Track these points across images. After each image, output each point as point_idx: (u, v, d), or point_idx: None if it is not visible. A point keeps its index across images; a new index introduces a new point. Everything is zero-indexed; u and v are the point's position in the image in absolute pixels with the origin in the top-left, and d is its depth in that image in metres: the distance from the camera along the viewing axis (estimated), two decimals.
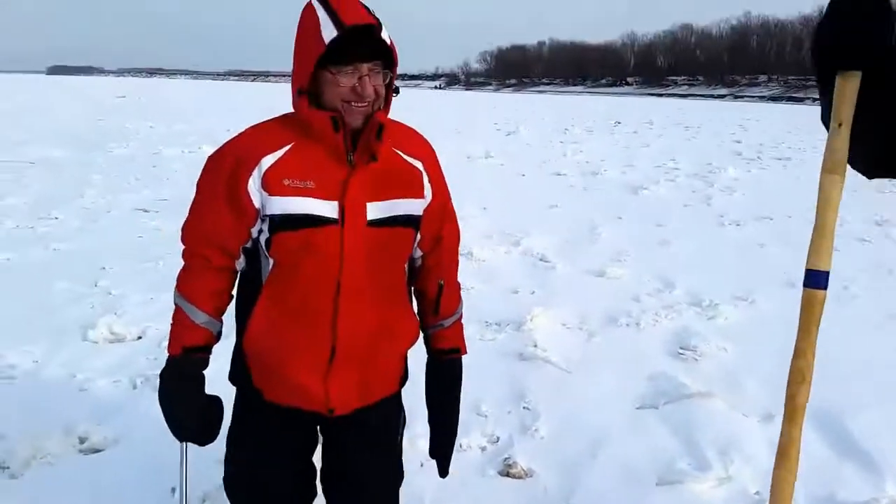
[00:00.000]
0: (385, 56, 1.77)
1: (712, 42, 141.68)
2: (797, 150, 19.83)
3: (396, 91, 1.89)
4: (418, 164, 1.96)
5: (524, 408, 3.93)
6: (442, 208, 2.05)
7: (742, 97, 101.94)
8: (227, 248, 1.87)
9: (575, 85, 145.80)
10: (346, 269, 1.80)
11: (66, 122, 22.62)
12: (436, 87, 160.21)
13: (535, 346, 4.72)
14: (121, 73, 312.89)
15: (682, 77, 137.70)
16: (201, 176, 1.91)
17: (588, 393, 4.10)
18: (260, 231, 1.84)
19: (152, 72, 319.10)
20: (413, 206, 1.91)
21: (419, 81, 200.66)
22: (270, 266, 1.84)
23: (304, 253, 1.79)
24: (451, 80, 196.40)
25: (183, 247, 1.92)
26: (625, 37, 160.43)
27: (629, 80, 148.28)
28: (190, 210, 1.92)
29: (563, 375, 4.35)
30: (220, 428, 1.96)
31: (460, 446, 3.48)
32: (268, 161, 1.77)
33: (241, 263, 1.91)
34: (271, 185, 1.76)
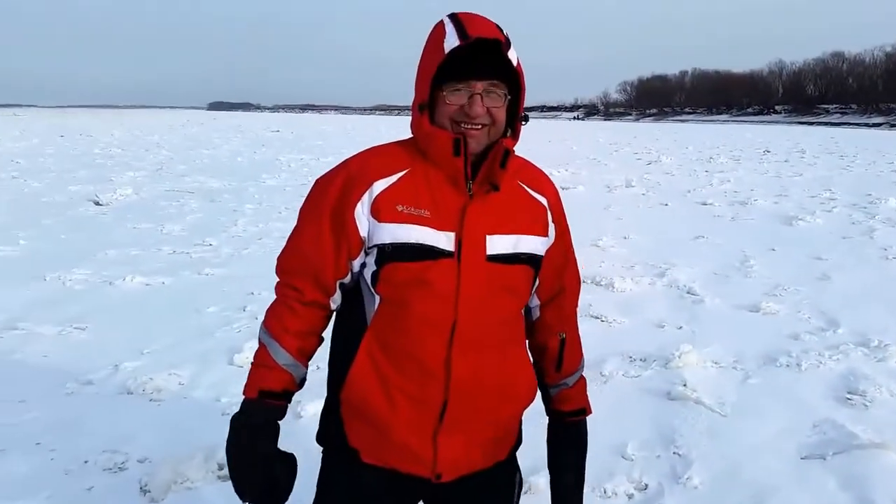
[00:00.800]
0: (509, 78, 1.66)
1: (865, 69, 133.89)
2: None
3: (525, 119, 1.76)
4: (543, 200, 1.81)
5: (675, 453, 3.68)
6: (564, 253, 1.90)
7: None
8: (322, 280, 1.71)
9: (719, 113, 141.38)
10: (462, 310, 1.63)
11: (223, 155, 23.97)
12: (574, 118, 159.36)
13: (685, 385, 4.44)
14: (275, 108, 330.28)
15: (834, 105, 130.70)
16: (306, 199, 1.78)
17: (746, 439, 3.79)
18: (364, 265, 1.70)
19: (304, 107, 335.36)
20: (536, 245, 1.76)
21: (558, 112, 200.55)
22: (377, 304, 1.68)
23: (415, 289, 1.63)
24: (589, 110, 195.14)
25: (276, 278, 1.78)
26: (772, 65, 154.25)
27: (777, 108, 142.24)
28: (289, 237, 1.79)
29: (717, 419, 4.05)
30: (288, 493, 1.72)
31: (604, 492, 3.28)
32: (380, 186, 1.65)
33: (335, 301, 1.75)
34: (382, 211, 1.63)
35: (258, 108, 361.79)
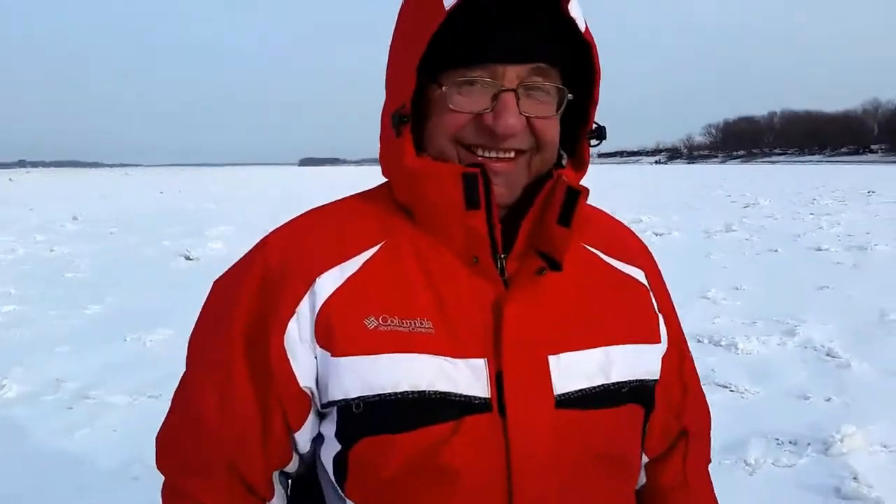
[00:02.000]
0: (566, 60, 1.01)
1: None
2: None
3: (599, 135, 1.07)
4: (640, 276, 1.16)
5: None
6: (680, 360, 1.21)
7: None
8: (244, 475, 1.04)
9: (811, 154, 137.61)
10: None
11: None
12: (656, 162, 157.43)
13: (856, 479, 3.64)
14: (360, 162, 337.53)
15: None
16: (197, 323, 1.11)
17: None
18: (318, 439, 1.06)
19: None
20: (643, 360, 1.09)
21: (638, 157, 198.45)
22: None
23: (422, 488, 0.96)
24: (672, 153, 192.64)
25: (163, 477, 1.11)
26: (867, 103, 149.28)
27: (872, 147, 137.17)
28: (173, 399, 1.11)
29: None
30: None
31: None
32: (329, 283, 0.99)
33: None
34: (338, 332, 0.96)
35: (345, 162, 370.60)
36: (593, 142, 1.09)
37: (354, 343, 0.96)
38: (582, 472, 0.99)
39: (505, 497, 0.94)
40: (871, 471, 3.74)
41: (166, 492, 1.09)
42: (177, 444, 1.07)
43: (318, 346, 0.98)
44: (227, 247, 13.40)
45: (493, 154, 0.99)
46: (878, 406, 4.69)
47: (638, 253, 1.20)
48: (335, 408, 0.98)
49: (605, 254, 1.14)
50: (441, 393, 0.94)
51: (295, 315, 0.98)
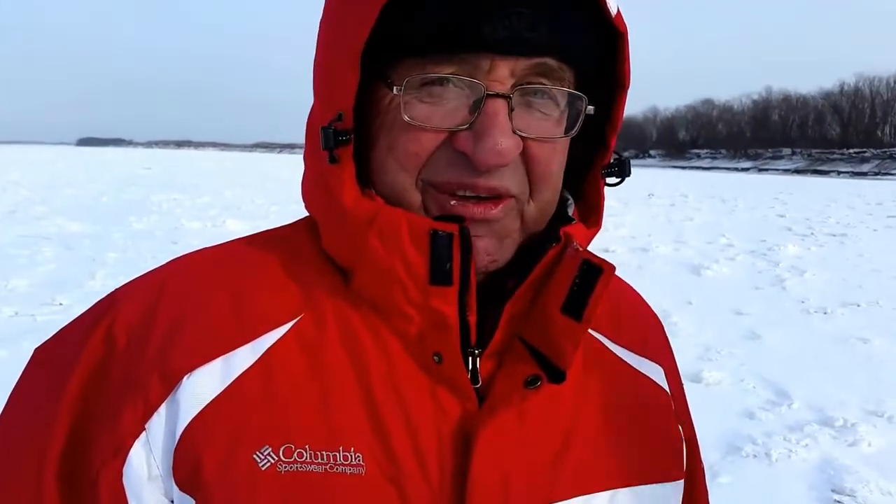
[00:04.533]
0: (583, 57, 0.70)
1: (734, 116, 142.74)
2: (847, 225, 18.70)
3: (621, 167, 0.78)
4: (658, 376, 0.85)
5: None
6: (691, 476, 0.89)
7: (766, 170, 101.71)
8: None
9: None
10: None
11: (88, 195, 22.07)
12: None
13: None
14: (149, 144, 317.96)
15: (705, 150, 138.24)
16: (4, 410, 0.75)
17: None
18: None
19: (181, 143, 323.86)
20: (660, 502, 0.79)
21: None
22: None
23: None
24: None
25: None
26: (647, 111, 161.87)
27: (651, 152, 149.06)
28: None
29: None
30: None
31: None
32: (205, 384, 0.67)
33: None
34: (210, 471, 0.64)
35: (131, 143, 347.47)
36: (611, 180, 0.78)
37: (236, 493, 0.63)
38: None
39: None
40: None
41: None
42: None
43: (176, 489, 0.65)
44: None
45: (472, 194, 0.68)
46: None
47: (654, 336, 0.90)
48: None
49: (613, 341, 0.83)
50: None
51: (143, 434, 0.66)
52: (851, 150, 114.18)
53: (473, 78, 0.65)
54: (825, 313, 8.04)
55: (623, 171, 0.78)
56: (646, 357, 0.85)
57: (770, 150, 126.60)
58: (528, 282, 0.70)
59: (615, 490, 0.74)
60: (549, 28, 0.65)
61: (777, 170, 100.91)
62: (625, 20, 0.71)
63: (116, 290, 0.76)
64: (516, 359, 0.71)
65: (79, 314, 0.78)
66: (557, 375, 0.69)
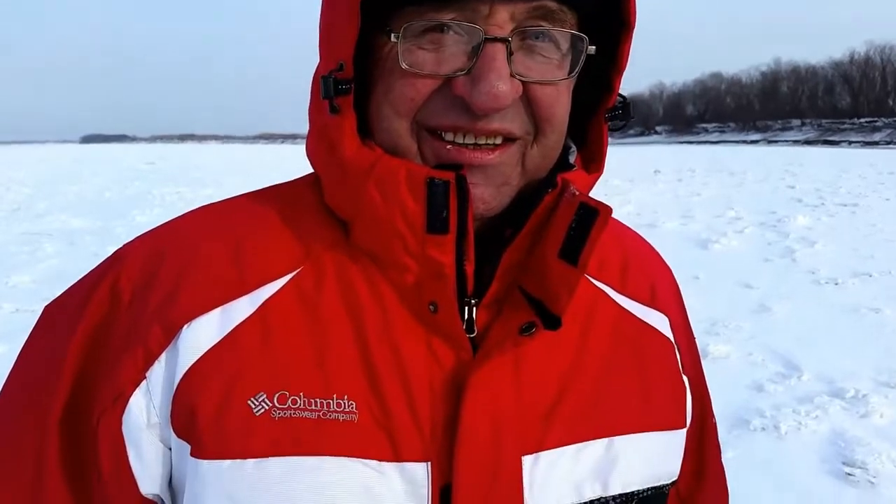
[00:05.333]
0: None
1: (742, 88, 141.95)
2: (858, 195, 18.52)
3: (625, 109, 0.76)
4: (663, 325, 0.85)
5: None
6: (700, 435, 0.91)
7: (776, 142, 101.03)
8: None
9: None
10: None
11: (91, 191, 22.12)
12: None
13: None
14: (153, 140, 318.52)
15: (713, 124, 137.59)
16: (15, 364, 0.77)
17: None
18: None
19: (184, 137, 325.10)
20: (662, 457, 0.79)
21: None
22: None
23: None
24: None
25: None
26: (653, 87, 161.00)
27: (657, 129, 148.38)
28: None
29: None
30: None
31: None
32: (204, 332, 0.68)
33: None
34: (205, 417, 0.66)
35: (134, 139, 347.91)
36: (616, 124, 0.77)
37: (229, 437, 0.65)
38: None
39: None
40: None
41: None
42: None
43: (174, 435, 0.68)
44: None
45: (471, 140, 0.68)
46: None
47: (662, 287, 0.89)
48: None
49: (618, 291, 0.83)
50: None
51: (144, 383, 0.68)
52: (862, 120, 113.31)
53: (472, 23, 0.65)
54: (836, 284, 7.93)
55: (627, 114, 0.76)
56: (652, 307, 0.85)
57: (780, 121, 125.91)
58: (526, 230, 0.70)
59: (612, 438, 0.74)
60: None
61: (787, 141, 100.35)
62: None
63: (120, 247, 0.78)
64: (514, 307, 0.71)
65: (85, 273, 0.79)
66: (553, 322, 0.69)
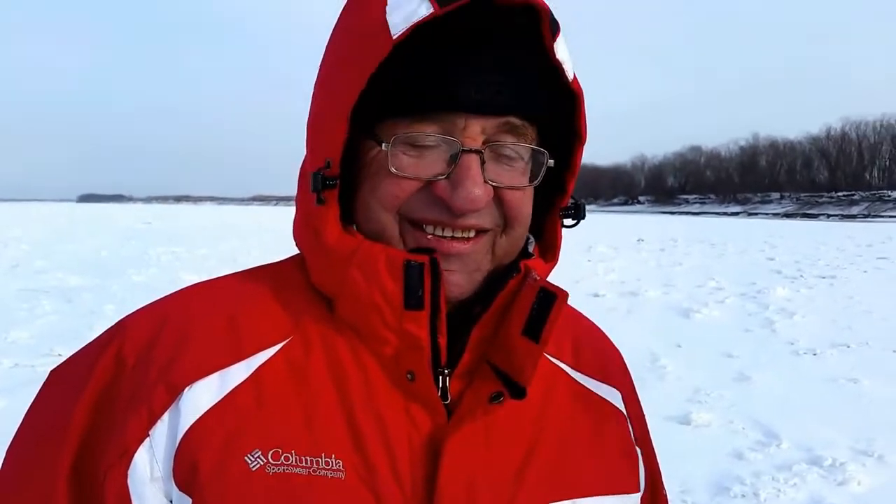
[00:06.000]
0: (542, 112, 0.81)
1: (721, 162, 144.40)
2: (836, 267, 18.87)
3: (577, 213, 0.88)
4: (615, 399, 0.94)
5: None
6: (652, 502, 0.99)
7: (756, 214, 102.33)
8: None
9: (588, 204, 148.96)
10: None
11: (88, 250, 22.11)
12: None
13: None
14: (149, 200, 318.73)
15: (693, 196, 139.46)
16: (21, 424, 0.84)
17: None
18: None
19: (179, 198, 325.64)
20: None
21: None
22: None
23: None
24: None
25: None
26: (635, 159, 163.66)
27: (640, 198, 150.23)
28: None
29: None
30: None
31: None
32: (203, 395, 0.75)
33: None
34: (206, 471, 0.72)
35: (130, 199, 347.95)
36: (568, 222, 0.88)
37: (228, 491, 0.70)
38: None
39: None
40: None
41: None
42: None
43: (175, 489, 0.72)
44: None
45: (449, 233, 0.78)
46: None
47: (613, 365, 0.99)
48: None
49: (573, 367, 0.92)
50: None
51: (147, 440, 0.73)
52: (840, 193, 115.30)
53: (451, 135, 0.75)
54: (815, 354, 8.12)
55: (578, 214, 0.88)
56: (604, 382, 0.94)
57: (759, 194, 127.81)
58: (493, 308, 0.79)
59: (575, 500, 0.82)
60: (514, 92, 0.76)
61: (766, 214, 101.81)
62: (580, 84, 0.82)
63: (123, 318, 0.84)
64: (483, 378, 0.79)
65: (88, 342, 0.86)
66: (519, 392, 0.77)
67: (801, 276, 16.66)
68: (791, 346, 8.53)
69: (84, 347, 0.85)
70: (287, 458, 0.72)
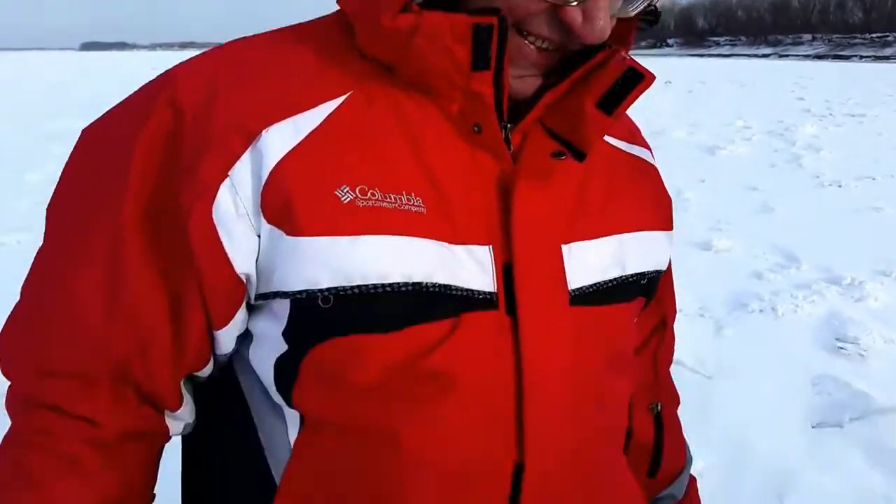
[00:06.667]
0: None
1: (753, 2, 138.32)
2: (866, 105, 18.36)
3: (654, 15, 0.84)
4: (647, 155, 1.00)
5: None
6: (665, 282, 1.05)
7: (787, 56, 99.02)
8: (141, 384, 0.77)
9: None
10: (535, 436, 0.76)
11: (95, 97, 21.98)
12: None
13: None
14: (153, 47, 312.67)
15: (724, 38, 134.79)
16: (61, 181, 0.80)
17: (742, 407, 3.17)
18: (246, 336, 0.80)
19: (185, 45, 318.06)
20: (658, 248, 0.93)
21: None
22: (295, 435, 0.78)
23: (409, 393, 0.74)
24: None
25: (12, 384, 0.79)
26: (665, 0, 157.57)
27: (669, 42, 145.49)
28: (24, 288, 0.80)
29: (702, 382, 3.42)
30: None
31: None
32: (280, 138, 0.73)
33: (179, 422, 0.83)
34: (300, 204, 0.71)
35: (135, 46, 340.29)
36: (644, 26, 0.87)
37: (324, 219, 0.71)
38: (594, 375, 0.83)
39: (513, 407, 0.76)
40: None
41: (15, 402, 0.78)
42: (32, 340, 0.77)
43: (264, 222, 0.72)
44: None
45: (546, 46, 0.76)
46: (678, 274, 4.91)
47: (637, 131, 1.03)
48: (288, 301, 0.73)
49: (618, 138, 0.96)
50: (441, 286, 0.73)
51: (228, 179, 0.72)
52: (874, 35, 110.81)
53: None
54: (839, 186, 8.07)
55: (656, 16, 0.85)
56: (636, 144, 0.99)
57: (790, 36, 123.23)
58: (572, 78, 0.79)
59: (622, 234, 0.88)
60: None
61: (798, 55, 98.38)
62: None
63: (167, 70, 0.79)
64: (540, 137, 0.81)
65: (126, 96, 0.80)
66: (580, 155, 0.81)
67: (831, 114, 16.29)
68: (816, 179, 8.46)
69: (123, 102, 0.80)
70: (374, 194, 0.73)
